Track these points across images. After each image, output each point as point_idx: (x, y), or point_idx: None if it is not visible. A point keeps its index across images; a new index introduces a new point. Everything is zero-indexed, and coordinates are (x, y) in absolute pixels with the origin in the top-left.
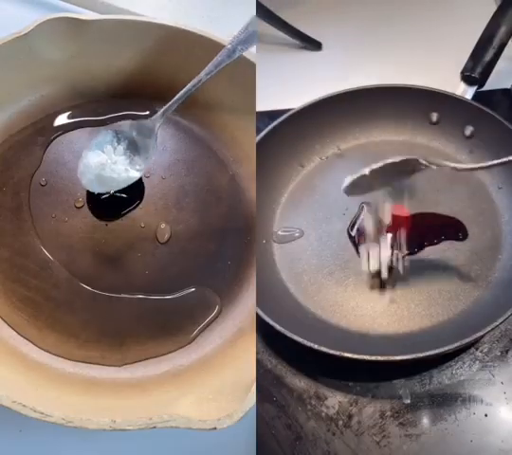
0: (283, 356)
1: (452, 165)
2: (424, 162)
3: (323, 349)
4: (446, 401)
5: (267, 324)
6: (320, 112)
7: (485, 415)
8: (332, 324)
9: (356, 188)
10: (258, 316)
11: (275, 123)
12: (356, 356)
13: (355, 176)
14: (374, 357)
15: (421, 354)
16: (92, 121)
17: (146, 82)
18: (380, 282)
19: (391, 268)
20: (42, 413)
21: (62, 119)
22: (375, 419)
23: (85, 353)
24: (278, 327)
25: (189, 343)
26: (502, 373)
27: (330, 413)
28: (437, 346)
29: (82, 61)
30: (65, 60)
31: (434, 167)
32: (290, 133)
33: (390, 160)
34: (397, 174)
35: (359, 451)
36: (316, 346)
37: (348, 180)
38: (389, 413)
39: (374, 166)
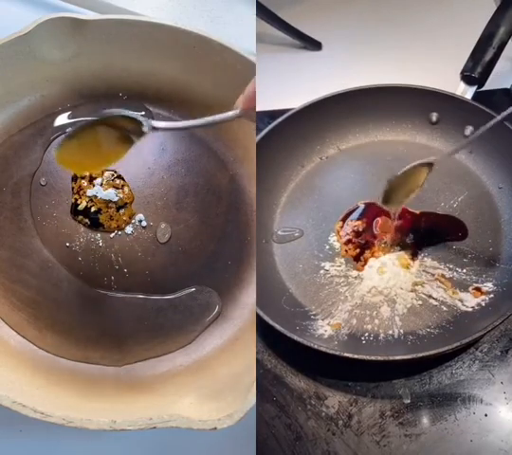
0: (283, 356)
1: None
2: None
3: (323, 349)
4: (445, 401)
5: (267, 324)
6: (320, 112)
7: (485, 415)
8: (331, 324)
9: None
10: (258, 316)
11: (275, 123)
12: (355, 356)
13: None
14: (373, 357)
15: (420, 354)
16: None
17: (146, 82)
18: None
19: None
20: (42, 413)
21: (62, 119)
22: (375, 419)
23: (85, 353)
24: (278, 327)
25: (189, 343)
26: (501, 372)
27: (330, 413)
28: (437, 346)
29: (82, 61)
30: (65, 60)
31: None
32: (290, 133)
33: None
34: None
35: (359, 451)
36: (316, 346)
37: None
38: (389, 413)
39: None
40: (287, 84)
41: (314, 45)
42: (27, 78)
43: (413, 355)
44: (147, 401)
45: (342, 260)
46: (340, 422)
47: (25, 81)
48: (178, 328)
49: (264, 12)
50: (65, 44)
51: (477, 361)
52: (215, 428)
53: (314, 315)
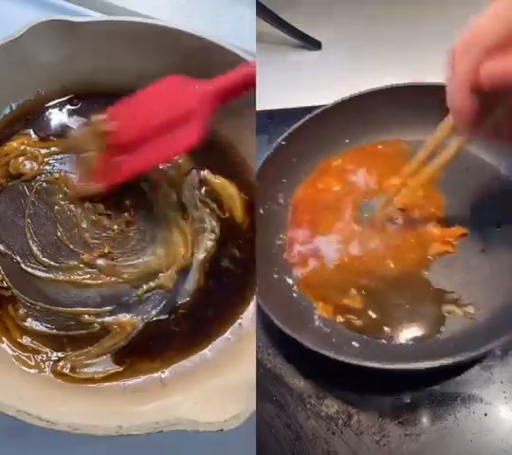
0: (283, 356)
1: None
2: None
3: (323, 352)
4: (445, 400)
5: (267, 323)
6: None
7: (485, 414)
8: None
9: None
10: (258, 315)
11: (296, 125)
12: (354, 362)
13: None
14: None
15: (422, 364)
16: None
17: (143, 83)
18: None
19: None
20: (48, 421)
21: (57, 121)
22: (375, 418)
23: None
24: (279, 325)
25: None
26: (501, 372)
27: (330, 412)
28: (442, 355)
29: (77, 62)
30: (59, 62)
31: None
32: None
33: None
34: None
35: (359, 450)
36: (316, 347)
37: None
38: (388, 412)
39: None
40: (287, 84)
41: (313, 44)
42: (21, 80)
43: (415, 366)
44: (152, 405)
45: None
46: (340, 421)
47: (19, 84)
48: None
49: (264, 12)
50: (59, 46)
51: (477, 360)
52: (222, 430)
53: (315, 314)
